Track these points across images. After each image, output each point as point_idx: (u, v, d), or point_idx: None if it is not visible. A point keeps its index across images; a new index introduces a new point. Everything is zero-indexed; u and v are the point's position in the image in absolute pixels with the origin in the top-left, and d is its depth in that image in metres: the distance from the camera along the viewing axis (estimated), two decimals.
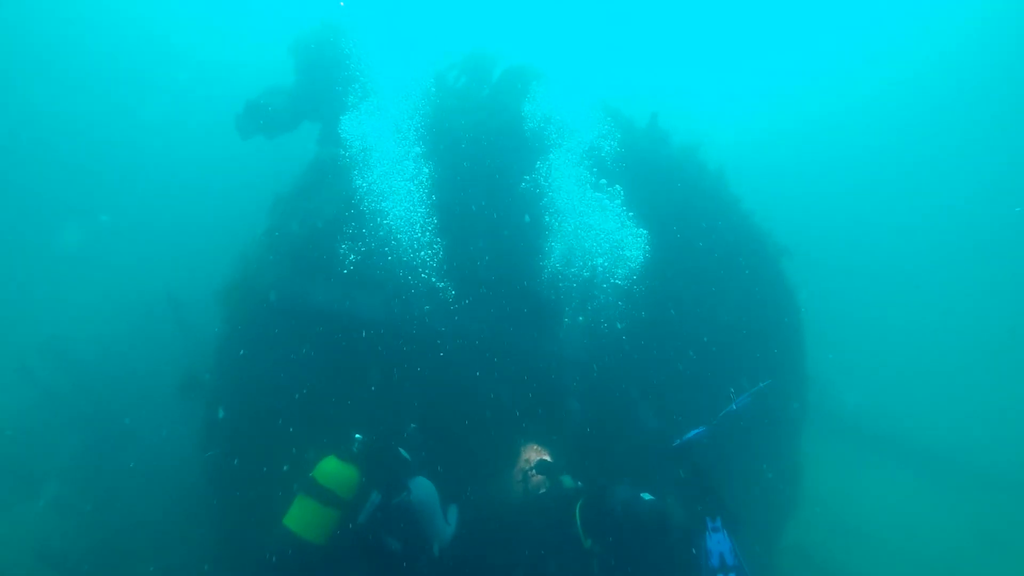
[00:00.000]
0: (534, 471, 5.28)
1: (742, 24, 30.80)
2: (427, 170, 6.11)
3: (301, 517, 4.03)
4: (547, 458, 5.51)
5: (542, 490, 4.99)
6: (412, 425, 4.88)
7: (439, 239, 5.93)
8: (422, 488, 4.42)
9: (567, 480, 4.84)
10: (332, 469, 4.19)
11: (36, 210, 22.69)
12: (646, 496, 4.36)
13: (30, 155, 25.69)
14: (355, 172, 6.02)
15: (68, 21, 29.03)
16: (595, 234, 6.25)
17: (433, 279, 5.87)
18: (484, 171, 6.50)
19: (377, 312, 5.86)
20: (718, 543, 3.96)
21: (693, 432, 4.87)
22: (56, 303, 15.59)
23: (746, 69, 33.88)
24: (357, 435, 4.40)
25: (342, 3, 8.26)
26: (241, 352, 5.76)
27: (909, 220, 31.67)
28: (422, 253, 5.88)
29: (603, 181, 6.45)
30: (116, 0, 30.01)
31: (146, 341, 12.98)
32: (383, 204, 5.97)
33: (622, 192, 6.35)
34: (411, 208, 5.95)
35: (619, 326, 6.14)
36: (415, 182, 6.01)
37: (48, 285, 16.65)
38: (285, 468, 4.71)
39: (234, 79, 18.43)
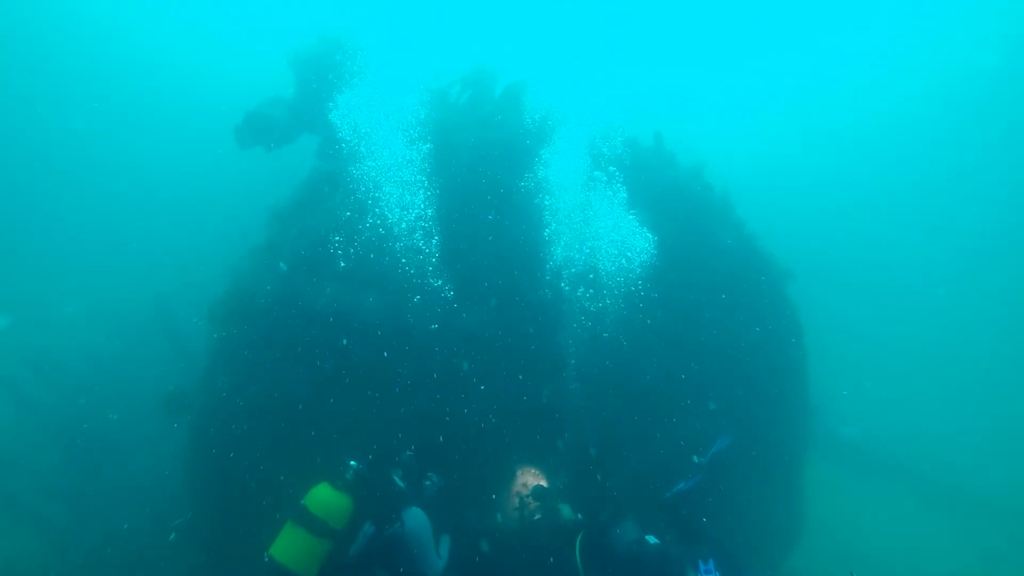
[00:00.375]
0: (530, 497, 5.19)
1: (748, 31, 31.06)
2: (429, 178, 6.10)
3: (289, 547, 3.88)
4: (544, 483, 5.42)
5: (538, 516, 4.90)
6: (408, 452, 4.78)
7: (438, 247, 5.88)
8: (416, 519, 4.29)
9: (566, 510, 4.75)
10: (325, 497, 4.06)
11: (25, 216, 22.52)
12: (651, 540, 4.30)
13: (18, 162, 25.59)
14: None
15: (61, 25, 29.19)
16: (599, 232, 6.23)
17: (430, 282, 5.82)
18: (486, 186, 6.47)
19: (372, 326, 5.77)
20: None
21: (682, 485, 4.84)
22: (44, 312, 15.41)
23: (750, 78, 34.09)
24: (352, 462, 4.29)
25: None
26: (230, 369, 5.67)
27: (915, 235, 31.65)
28: (420, 257, 5.85)
29: (598, 173, 6.46)
30: (111, 5, 30.28)
31: (135, 353, 12.83)
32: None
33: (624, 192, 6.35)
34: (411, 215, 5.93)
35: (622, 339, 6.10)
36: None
37: (35, 294, 16.49)
38: (274, 494, 4.63)
39: (234, 88, 18.45)
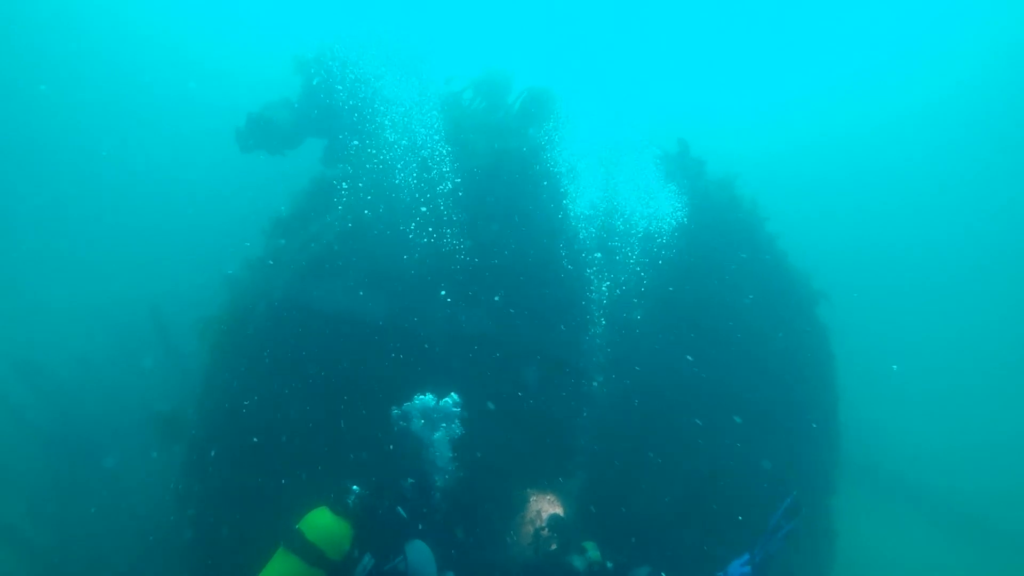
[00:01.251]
0: (546, 529, 4.99)
1: (756, 35, 31.16)
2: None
3: None
4: (560, 510, 5.22)
5: (554, 547, 4.72)
6: (410, 480, 4.59)
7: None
8: (419, 554, 4.06)
9: (592, 550, 4.53)
10: (323, 523, 3.83)
11: (12, 217, 22.55)
12: None
13: (13, 165, 25.74)
14: None
15: (53, 21, 29.54)
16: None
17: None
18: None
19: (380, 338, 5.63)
20: None
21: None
22: (35, 319, 15.36)
23: (759, 82, 34.12)
24: (355, 487, 4.11)
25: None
26: (226, 388, 5.51)
27: (951, 250, 31.39)
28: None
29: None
30: (116, 5, 30.66)
31: (127, 359, 12.72)
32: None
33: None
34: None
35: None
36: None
37: (24, 297, 16.45)
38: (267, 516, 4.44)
39: (237, 89, 18.50)
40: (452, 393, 4.89)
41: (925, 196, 32.78)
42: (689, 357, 6.23)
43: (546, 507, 5.25)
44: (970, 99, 30.84)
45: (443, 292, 5.72)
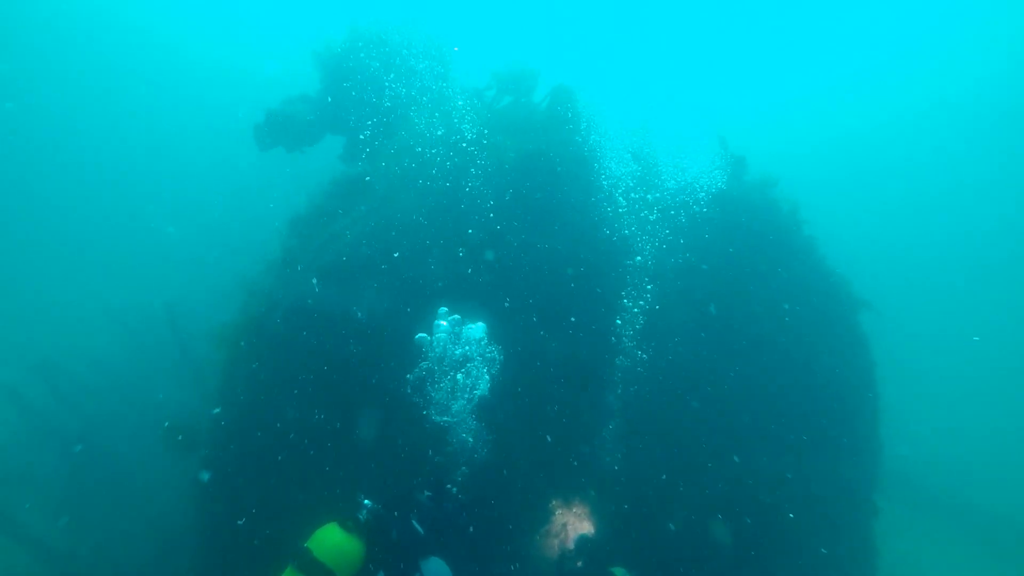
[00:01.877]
0: (573, 550, 4.80)
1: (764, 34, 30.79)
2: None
3: None
4: (589, 526, 5.02)
5: (579, 564, 4.57)
6: (426, 492, 4.41)
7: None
8: (436, 571, 3.93)
9: (619, 572, 4.32)
10: (333, 541, 3.68)
11: (30, 218, 22.97)
12: None
13: (28, 164, 26.23)
14: None
15: (68, 23, 30.10)
16: None
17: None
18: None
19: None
20: None
21: None
22: (52, 320, 15.57)
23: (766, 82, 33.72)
24: (366, 501, 3.94)
25: (456, 48, 8.13)
26: (237, 395, 5.41)
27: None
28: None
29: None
30: (130, 5, 31.24)
31: (143, 361, 12.82)
32: None
33: None
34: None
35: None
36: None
37: (44, 300, 16.69)
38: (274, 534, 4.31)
39: (254, 88, 18.61)
40: (480, 323, 4.83)
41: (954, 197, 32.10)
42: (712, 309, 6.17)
43: (573, 521, 5.07)
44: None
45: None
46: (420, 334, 5.02)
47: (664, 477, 5.63)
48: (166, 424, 5.57)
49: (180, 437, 5.58)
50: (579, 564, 4.61)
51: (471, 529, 4.44)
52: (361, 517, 3.82)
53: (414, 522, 4.03)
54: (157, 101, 29.83)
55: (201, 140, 25.86)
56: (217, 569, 5.03)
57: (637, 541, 5.27)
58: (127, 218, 22.09)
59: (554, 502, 5.22)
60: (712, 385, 6.02)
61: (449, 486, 4.58)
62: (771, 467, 6.09)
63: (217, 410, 5.49)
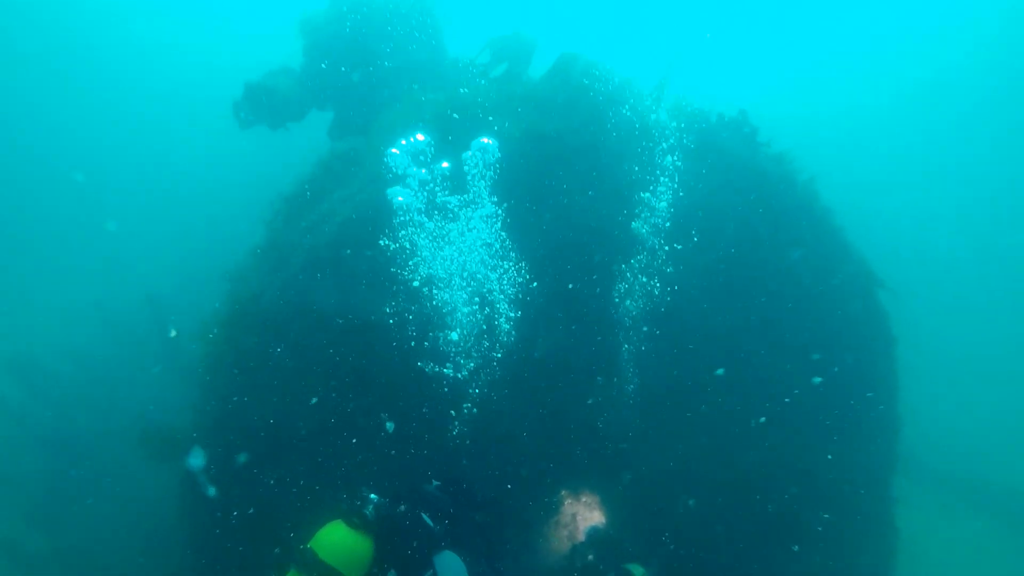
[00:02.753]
0: (585, 542, 4.68)
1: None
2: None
3: None
4: (600, 516, 4.92)
5: (590, 557, 4.52)
6: (435, 482, 4.26)
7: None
8: (450, 568, 3.77)
9: (636, 571, 4.19)
10: (338, 540, 3.52)
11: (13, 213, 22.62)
12: None
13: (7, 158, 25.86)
14: None
15: (43, 14, 29.67)
16: None
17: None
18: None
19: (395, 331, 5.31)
20: None
21: None
22: (28, 313, 15.31)
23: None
24: (372, 495, 3.77)
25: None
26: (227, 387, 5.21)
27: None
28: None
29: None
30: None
31: (125, 355, 12.63)
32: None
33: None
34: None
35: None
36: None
37: (19, 293, 16.40)
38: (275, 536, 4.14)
39: (229, 65, 18.22)
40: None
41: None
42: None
43: (583, 512, 4.96)
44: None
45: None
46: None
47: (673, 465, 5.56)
48: (141, 429, 5.38)
49: (156, 442, 5.38)
50: (590, 557, 4.52)
51: (480, 519, 4.31)
52: (367, 513, 3.66)
53: (423, 515, 3.87)
54: (128, 85, 29.44)
55: (179, 117, 25.51)
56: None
57: (652, 533, 5.20)
58: (103, 210, 21.72)
59: (563, 492, 5.12)
60: (727, 363, 5.90)
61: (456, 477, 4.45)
62: (790, 448, 6.01)
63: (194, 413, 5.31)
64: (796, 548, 5.74)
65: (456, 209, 5.02)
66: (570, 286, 5.56)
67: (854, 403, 6.67)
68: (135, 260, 17.16)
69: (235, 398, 5.16)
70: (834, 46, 33.38)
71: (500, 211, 5.13)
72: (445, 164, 5.00)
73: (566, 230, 5.65)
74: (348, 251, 5.41)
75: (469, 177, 4.98)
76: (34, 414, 11.48)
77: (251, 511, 4.82)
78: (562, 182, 5.72)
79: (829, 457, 6.17)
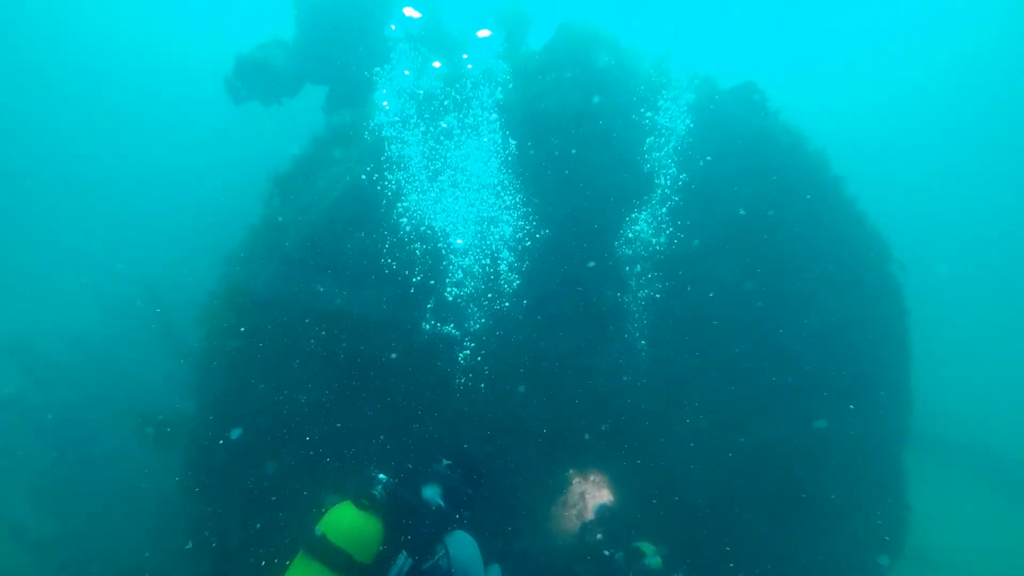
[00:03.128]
0: (594, 522, 4.64)
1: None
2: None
3: None
4: (609, 494, 4.88)
5: (599, 536, 4.50)
6: (445, 461, 4.19)
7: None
8: (462, 546, 3.70)
9: (650, 554, 4.14)
10: (347, 521, 3.43)
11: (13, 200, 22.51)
12: None
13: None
14: None
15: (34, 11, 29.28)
16: None
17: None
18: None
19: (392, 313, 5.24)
20: None
21: None
22: (29, 299, 15.26)
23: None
24: (381, 475, 3.71)
25: None
26: (230, 370, 5.13)
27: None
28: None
29: None
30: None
31: (125, 338, 12.60)
32: None
33: None
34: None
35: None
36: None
37: (20, 280, 16.33)
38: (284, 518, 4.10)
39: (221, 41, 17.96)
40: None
41: None
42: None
43: (591, 490, 4.91)
44: None
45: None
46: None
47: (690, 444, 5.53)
48: (140, 422, 5.32)
49: (151, 430, 5.31)
50: (599, 536, 4.48)
51: (491, 497, 4.27)
52: (376, 494, 3.59)
53: (435, 495, 3.81)
54: (121, 73, 29.13)
55: (172, 99, 25.26)
56: (215, 562, 4.82)
57: (662, 511, 5.18)
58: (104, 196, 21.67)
59: (570, 471, 5.07)
60: (740, 337, 5.84)
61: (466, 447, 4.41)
62: (802, 421, 5.99)
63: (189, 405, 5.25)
64: (807, 524, 5.76)
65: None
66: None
67: (865, 378, 6.67)
68: (132, 246, 17.07)
69: (238, 379, 5.10)
70: (834, 39, 33.06)
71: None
72: (443, 124, 4.87)
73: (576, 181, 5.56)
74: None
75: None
76: (35, 399, 11.46)
77: (258, 494, 4.78)
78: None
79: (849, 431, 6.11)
